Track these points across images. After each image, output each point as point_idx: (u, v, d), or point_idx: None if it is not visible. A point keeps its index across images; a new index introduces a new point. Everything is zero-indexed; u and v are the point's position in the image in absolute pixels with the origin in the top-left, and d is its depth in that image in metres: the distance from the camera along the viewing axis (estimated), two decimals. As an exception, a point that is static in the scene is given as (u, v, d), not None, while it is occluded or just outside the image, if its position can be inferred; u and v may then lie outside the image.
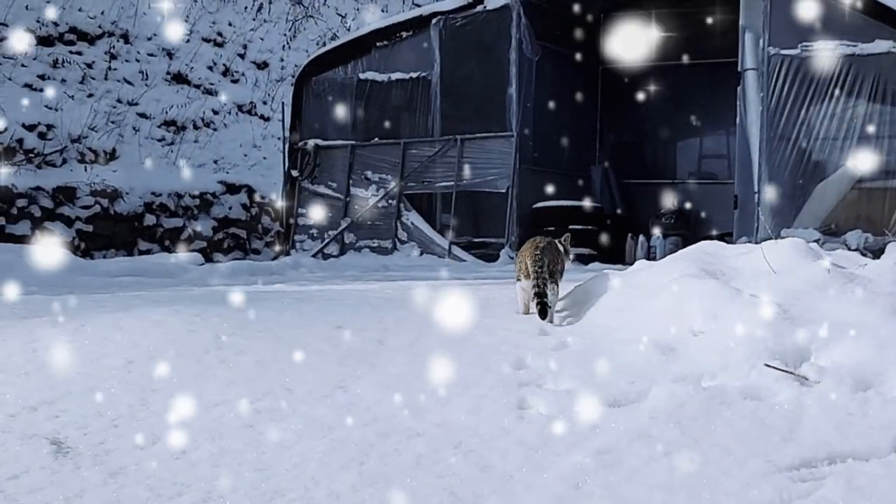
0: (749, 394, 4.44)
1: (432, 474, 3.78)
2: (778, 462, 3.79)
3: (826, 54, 13.10)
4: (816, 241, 11.76)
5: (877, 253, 9.70)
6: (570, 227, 14.41)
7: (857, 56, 13.04)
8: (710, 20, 17.52)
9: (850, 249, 11.94)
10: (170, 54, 19.99)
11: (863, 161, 12.83)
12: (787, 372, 4.56)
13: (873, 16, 12.87)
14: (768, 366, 4.60)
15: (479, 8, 15.96)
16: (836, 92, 13.14)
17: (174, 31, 19.77)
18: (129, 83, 18.99)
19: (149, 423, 4.24)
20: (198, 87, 20.14)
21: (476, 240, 16.08)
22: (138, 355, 5.08)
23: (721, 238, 12.43)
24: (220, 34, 21.28)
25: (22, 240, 15.15)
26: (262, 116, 20.72)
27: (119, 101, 18.56)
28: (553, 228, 14.50)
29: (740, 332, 4.87)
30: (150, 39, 19.84)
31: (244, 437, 4.12)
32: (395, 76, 16.71)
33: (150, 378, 4.77)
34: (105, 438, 4.08)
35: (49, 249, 11.40)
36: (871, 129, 13.04)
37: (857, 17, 12.91)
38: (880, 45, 12.91)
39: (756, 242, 10.20)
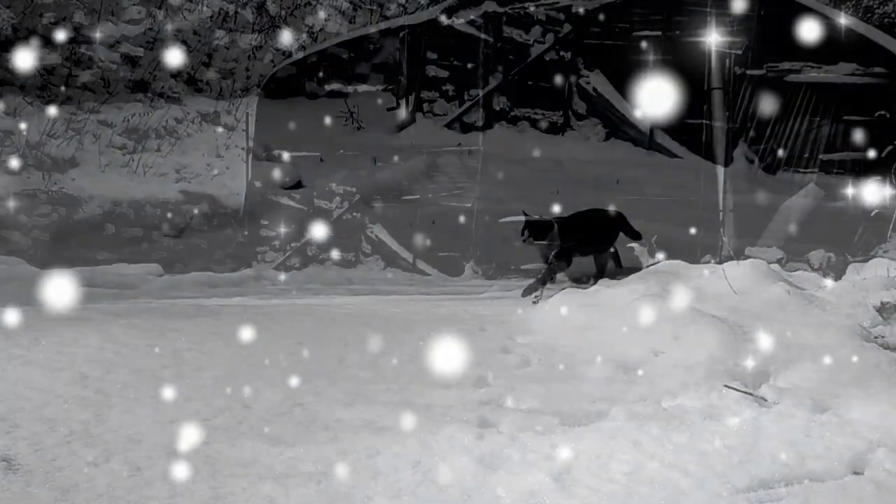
0: (709, 414, 4.44)
1: (390, 492, 3.75)
2: (736, 483, 3.80)
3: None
4: (779, 259, 11.79)
5: (839, 273, 9.76)
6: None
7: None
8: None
9: (812, 269, 12.01)
10: (133, 62, 19.83)
11: (827, 180, 12.92)
12: (746, 393, 4.57)
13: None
14: (728, 387, 4.61)
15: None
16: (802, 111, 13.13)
17: (138, 39, 19.62)
18: (91, 90, 18.73)
19: (103, 440, 4.17)
20: (161, 95, 19.88)
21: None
22: (94, 370, 5.01)
23: None
24: (185, 42, 21.13)
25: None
26: (225, 126, 20.42)
27: (80, 108, 18.28)
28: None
29: (700, 353, 4.87)
30: (111, 47, 19.67)
31: (200, 455, 4.07)
32: (362, 88, 15.44)
33: (106, 394, 4.70)
34: (57, 455, 4.02)
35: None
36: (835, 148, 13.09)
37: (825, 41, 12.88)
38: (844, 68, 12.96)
39: (719, 261, 10.23)
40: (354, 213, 14.92)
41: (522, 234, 6.48)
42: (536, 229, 6.38)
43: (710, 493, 3.72)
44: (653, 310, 5.40)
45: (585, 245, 6.65)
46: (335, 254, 14.99)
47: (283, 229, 16.14)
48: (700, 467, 3.93)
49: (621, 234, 7.01)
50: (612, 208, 7.07)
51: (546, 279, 6.46)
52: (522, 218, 6.09)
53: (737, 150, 11.83)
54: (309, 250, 15.74)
